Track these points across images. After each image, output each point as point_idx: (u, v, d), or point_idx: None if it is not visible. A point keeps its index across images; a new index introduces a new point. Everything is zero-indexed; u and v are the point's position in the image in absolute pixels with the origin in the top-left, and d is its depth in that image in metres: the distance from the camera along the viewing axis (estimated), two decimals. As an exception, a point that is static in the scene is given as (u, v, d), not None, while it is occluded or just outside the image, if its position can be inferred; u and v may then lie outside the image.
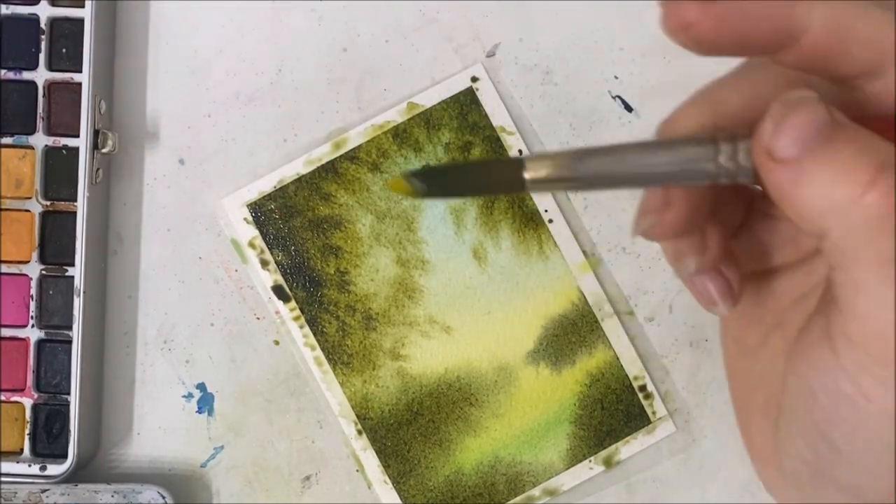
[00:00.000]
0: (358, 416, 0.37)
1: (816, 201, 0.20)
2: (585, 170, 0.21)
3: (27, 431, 0.36)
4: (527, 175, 0.21)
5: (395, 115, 0.38)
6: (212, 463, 0.38)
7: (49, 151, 0.37)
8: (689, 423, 0.38)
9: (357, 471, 0.38)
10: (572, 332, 0.38)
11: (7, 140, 0.37)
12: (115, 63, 0.38)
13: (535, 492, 0.37)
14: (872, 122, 0.20)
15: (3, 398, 0.36)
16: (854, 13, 0.21)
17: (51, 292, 0.37)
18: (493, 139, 0.38)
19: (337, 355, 0.37)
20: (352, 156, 0.38)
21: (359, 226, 0.38)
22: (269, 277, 0.38)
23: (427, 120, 0.38)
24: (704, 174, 0.20)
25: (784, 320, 0.24)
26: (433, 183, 0.22)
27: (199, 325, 0.38)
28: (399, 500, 0.37)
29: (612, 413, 0.38)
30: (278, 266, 0.38)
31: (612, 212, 0.38)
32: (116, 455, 0.38)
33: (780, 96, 0.21)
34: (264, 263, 0.38)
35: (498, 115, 0.38)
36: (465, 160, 0.21)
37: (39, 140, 0.37)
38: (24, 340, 0.37)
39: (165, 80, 0.38)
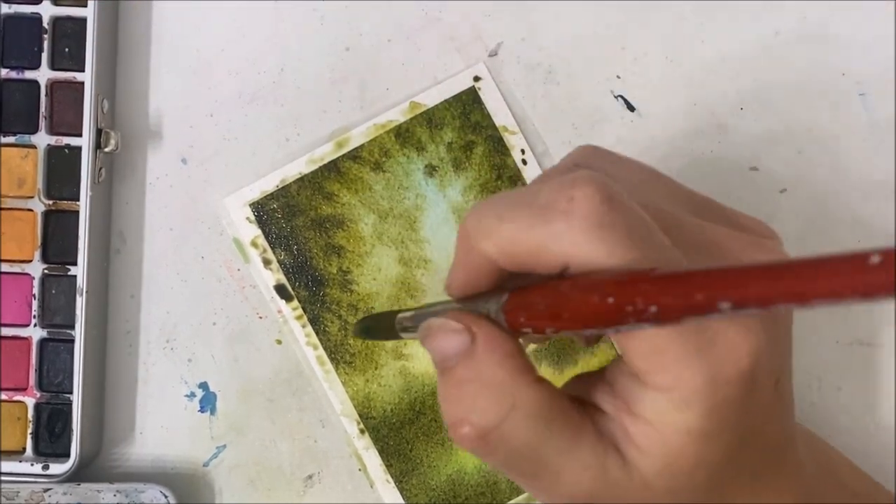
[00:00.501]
0: (360, 416, 0.37)
1: None
2: (413, 326, 0.27)
3: (29, 431, 0.36)
4: (398, 327, 0.28)
5: (398, 115, 0.38)
6: (214, 462, 0.38)
7: (51, 150, 0.37)
8: (691, 422, 0.38)
9: (359, 470, 0.38)
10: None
11: (9, 139, 0.37)
12: (118, 62, 0.38)
13: (538, 491, 0.37)
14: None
15: (5, 397, 0.36)
16: (509, 236, 0.23)
17: (53, 291, 0.37)
18: (496, 139, 0.38)
19: (339, 354, 0.37)
20: (354, 155, 0.38)
21: (361, 225, 0.38)
22: (272, 277, 0.38)
23: (429, 119, 0.38)
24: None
25: None
26: (360, 331, 0.32)
27: (202, 325, 0.38)
28: (401, 500, 0.37)
29: (615, 412, 0.38)
30: (281, 265, 0.38)
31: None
32: (119, 454, 0.38)
33: (430, 321, 0.25)
34: (267, 263, 0.38)
35: (500, 115, 0.38)
36: (378, 314, 0.32)
37: (42, 139, 0.37)
38: (27, 340, 0.37)
39: (168, 79, 0.38)
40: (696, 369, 0.22)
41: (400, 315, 0.28)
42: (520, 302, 0.23)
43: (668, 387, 0.23)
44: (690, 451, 0.23)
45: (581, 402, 0.25)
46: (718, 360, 0.23)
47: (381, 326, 0.30)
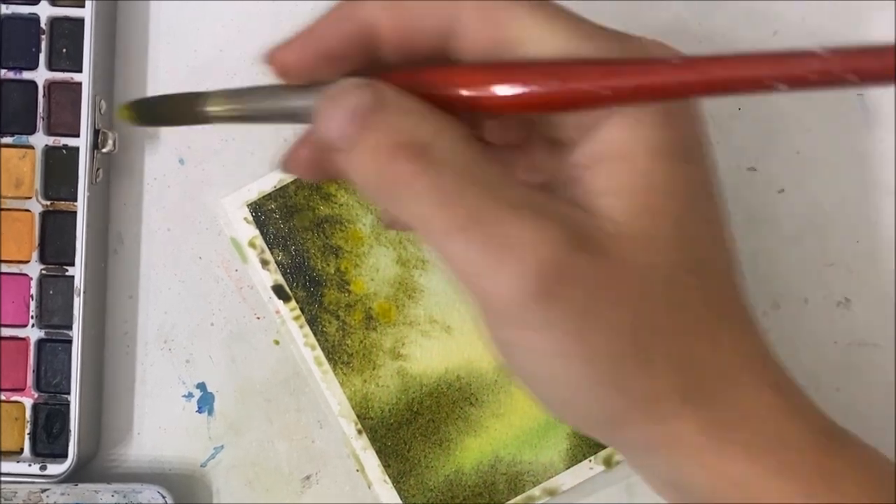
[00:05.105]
0: (358, 416, 0.37)
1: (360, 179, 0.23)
2: (246, 107, 0.26)
3: (27, 431, 0.36)
4: (208, 109, 0.26)
5: (396, 115, 0.38)
6: (212, 462, 0.38)
7: (49, 151, 0.37)
8: (690, 423, 0.38)
9: (357, 470, 0.38)
10: (572, 332, 0.38)
11: (7, 139, 0.37)
12: (116, 63, 0.38)
13: (536, 491, 0.37)
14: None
15: (3, 398, 0.36)
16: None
17: (51, 292, 0.37)
18: (494, 139, 0.38)
19: (337, 355, 0.37)
20: (352, 155, 0.38)
21: (359, 225, 0.38)
22: (270, 277, 0.38)
23: (427, 120, 0.38)
24: (306, 119, 0.24)
25: None
26: (141, 111, 0.27)
27: (199, 325, 0.38)
28: (399, 500, 0.37)
29: (613, 413, 0.38)
30: (278, 266, 0.38)
31: (613, 211, 0.38)
32: (116, 455, 0.38)
33: (326, 90, 0.23)
34: (264, 263, 0.38)
35: (498, 115, 0.38)
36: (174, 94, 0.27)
37: (39, 140, 0.37)
38: (25, 340, 0.37)
39: (166, 79, 0.38)
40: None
41: (212, 92, 0.26)
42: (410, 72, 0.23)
43: (610, 113, 0.23)
44: (659, 174, 0.22)
45: None
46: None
47: (173, 110, 0.27)
